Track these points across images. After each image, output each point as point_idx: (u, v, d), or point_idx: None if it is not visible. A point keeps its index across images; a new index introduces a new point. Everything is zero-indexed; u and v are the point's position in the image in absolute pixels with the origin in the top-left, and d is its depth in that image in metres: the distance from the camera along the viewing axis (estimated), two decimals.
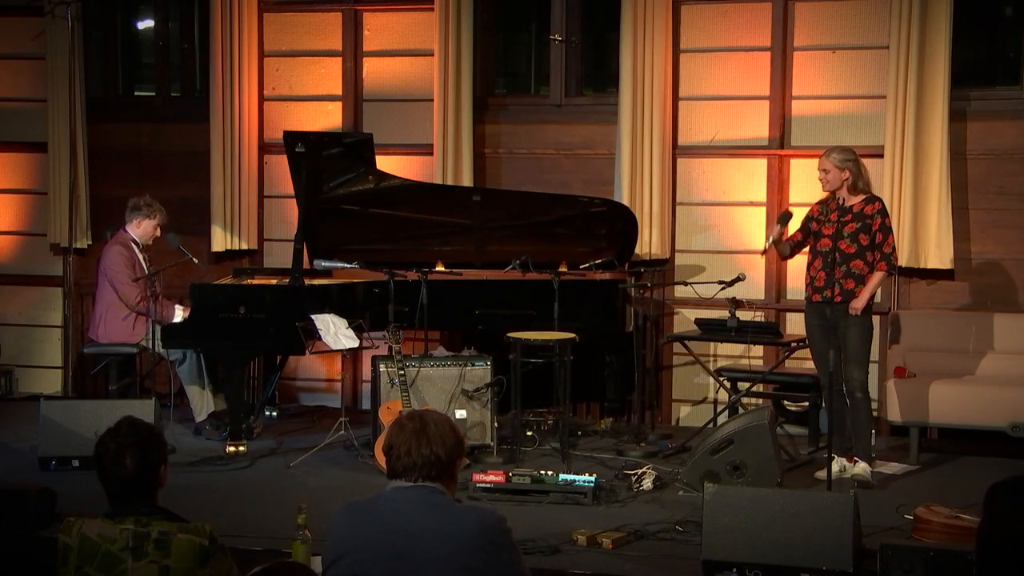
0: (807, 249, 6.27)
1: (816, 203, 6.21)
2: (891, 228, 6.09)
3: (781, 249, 6.31)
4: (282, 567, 2.74)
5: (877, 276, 6.02)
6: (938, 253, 7.02)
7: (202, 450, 6.60)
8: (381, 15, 8.10)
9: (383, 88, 8.12)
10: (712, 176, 7.63)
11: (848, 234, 6.01)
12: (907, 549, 4.52)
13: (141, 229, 7.19)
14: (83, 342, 7.56)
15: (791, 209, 6.49)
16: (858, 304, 5.97)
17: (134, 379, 7.28)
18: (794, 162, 7.48)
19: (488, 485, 5.63)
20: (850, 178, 6.00)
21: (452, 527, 2.98)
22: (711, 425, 6.87)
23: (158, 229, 7.21)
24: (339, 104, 8.16)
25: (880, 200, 6.10)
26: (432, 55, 7.78)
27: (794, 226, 6.31)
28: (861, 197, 6.04)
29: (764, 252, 6.78)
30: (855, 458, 6.02)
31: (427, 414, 3.13)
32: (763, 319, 7.32)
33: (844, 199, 6.05)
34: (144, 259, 7.21)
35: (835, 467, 5.77)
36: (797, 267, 7.42)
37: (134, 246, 7.19)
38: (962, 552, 4.44)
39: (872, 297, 6.08)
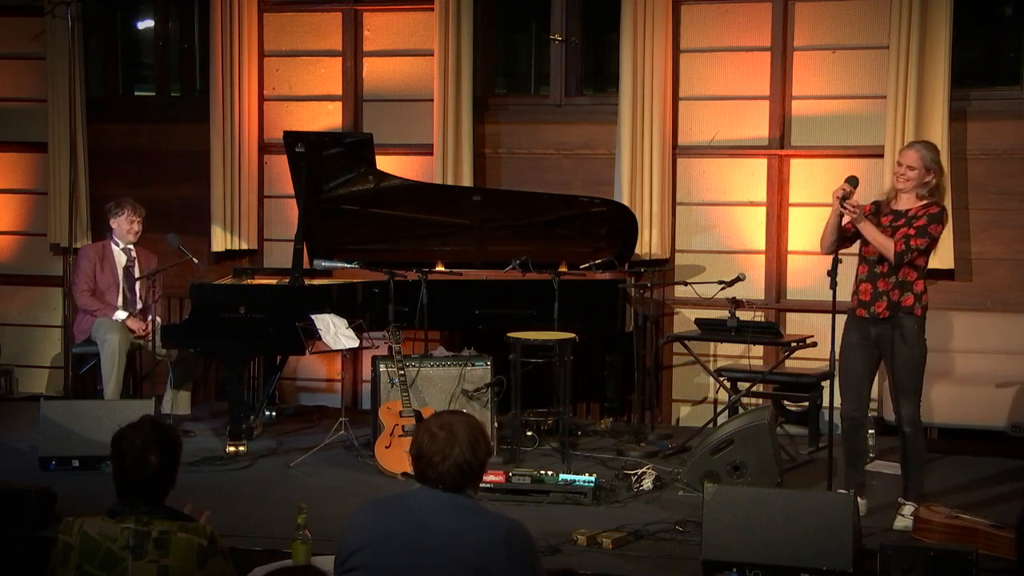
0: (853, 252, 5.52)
1: (872, 202, 5.47)
2: (935, 237, 5.32)
3: (828, 238, 5.41)
4: (292, 571, 2.74)
5: (890, 242, 5.23)
6: (938, 253, 7.01)
7: (202, 450, 6.60)
8: (381, 15, 8.10)
9: (383, 88, 8.12)
10: (712, 176, 7.63)
11: (899, 240, 5.28)
12: (907, 549, 4.52)
13: (117, 228, 7.26)
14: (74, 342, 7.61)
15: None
16: (858, 212, 5.19)
17: (128, 378, 7.27)
18: (794, 162, 7.48)
19: (488, 485, 5.62)
20: (932, 182, 5.30)
21: (478, 531, 3.00)
22: (711, 425, 6.88)
23: (133, 223, 7.23)
24: (339, 104, 8.16)
25: (942, 209, 5.33)
26: (432, 55, 7.78)
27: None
28: (924, 202, 5.33)
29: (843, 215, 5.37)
30: (902, 500, 5.42)
31: (455, 420, 3.10)
32: (763, 319, 7.32)
33: (900, 201, 5.37)
34: (127, 259, 7.26)
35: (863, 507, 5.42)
36: (797, 267, 7.46)
37: (114, 246, 7.24)
38: (962, 552, 4.45)
39: (924, 314, 5.36)
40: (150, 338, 6.82)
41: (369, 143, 7.10)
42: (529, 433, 6.78)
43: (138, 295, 7.27)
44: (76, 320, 7.31)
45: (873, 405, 6.79)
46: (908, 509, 5.33)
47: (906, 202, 5.38)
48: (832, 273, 5.20)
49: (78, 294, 7.22)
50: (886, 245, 5.28)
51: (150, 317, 6.98)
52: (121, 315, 7.11)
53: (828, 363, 5.49)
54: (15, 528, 5.04)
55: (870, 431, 6.52)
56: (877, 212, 5.43)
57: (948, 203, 6.66)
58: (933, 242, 5.37)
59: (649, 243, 7.48)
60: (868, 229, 5.30)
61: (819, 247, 5.57)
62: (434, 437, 3.05)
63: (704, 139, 7.63)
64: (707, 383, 7.59)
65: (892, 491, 5.72)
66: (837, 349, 5.35)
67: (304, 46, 8.20)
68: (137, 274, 7.25)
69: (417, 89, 7.99)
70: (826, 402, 5.83)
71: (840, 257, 5.29)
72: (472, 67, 7.74)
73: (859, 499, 5.30)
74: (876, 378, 5.73)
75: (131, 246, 7.27)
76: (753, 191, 7.55)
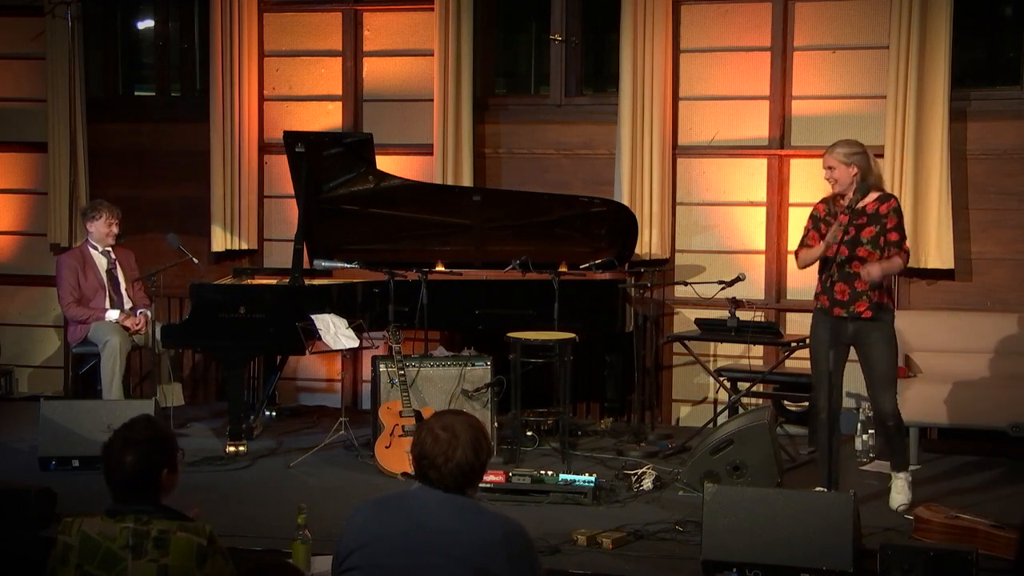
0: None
1: (820, 201, 5.63)
2: (904, 229, 5.52)
3: (808, 256, 5.56)
4: (270, 567, 2.73)
5: (897, 261, 5.41)
6: (938, 253, 7.02)
7: (202, 450, 6.60)
8: (381, 15, 8.10)
9: (383, 88, 8.11)
10: (712, 176, 7.63)
11: (868, 240, 5.41)
12: (907, 549, 4.52)
13: (95, 232, 7.30)
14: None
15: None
16: (874, 270, 5.30)
17: (127, 378, 7.27)
18: (794, 162, 7.48)
19: (488, 485, 5.62)
20: (859, 174, 5.40)
21: (477, 531, 3.00)
22: (711, 425, 6.88)
23: (111, 225, 7.28)
24: (339, 104, 8.16)
25: (895, 198, 5.55)
26: (432, 55, 7.78)
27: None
28: (874, 196, 5.45)
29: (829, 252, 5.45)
30: (893, 472, 5.62)
31: (457, 421, 3.10)
32: (763, 319, 7.32)
33: (855, 200, 5.44)
34: (108, 261, 7.29)
35: None
36: (797, 267, 7.44)
37: (92, 250, 7.27)
38: (962, 552, 4.45)
39: (893, 307, 5.58)
40: (145, 331, 6.85)
41: (369, 143, 7.10)
42: (529, 433, 6.78)
43: (124, 296, 7.29)
44: (69, 330, 7.35)
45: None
46: (900, 482, 5.54)
47: (858, 199, 5.44)
48: (830, 271, 5.25)
49: (65, 306, 7.24)
50: (896, 267, 5.47)
51: (140, 311, 7.06)
52: (114, 315, 7.12)
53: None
54: (15, 528, 5.04)
55: (869, 431, 6.54)
56: (832, 211, 5.52)
57: (937, 197, 6.92)
58: (904, 230, 5.52)
59: (649, 243, 7.48)
60: (883, 267, 5.39)
61: (796, 260, 5.71)
62: (437, 438, 3.05)
63: (704, 139, 7.63)
64: (707, 383, 7.59)
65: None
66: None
67: (304, 46, 8.20)
68: (120, 275, 7.30)
69: (417, 89, 7.99)
70: None
71: (837, 257, 5.36)
72: (472, 67, 7.74)
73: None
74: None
75: (109, 248, 7.29)
76: (753, 191, 7.55)
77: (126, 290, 7.31)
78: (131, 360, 7.22)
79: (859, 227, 5.42)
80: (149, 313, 7.07)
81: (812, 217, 5.64)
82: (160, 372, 7.19)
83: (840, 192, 5.49)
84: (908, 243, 5.56)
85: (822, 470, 5.47)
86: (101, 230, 7.26)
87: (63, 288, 7.22)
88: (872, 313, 5.43)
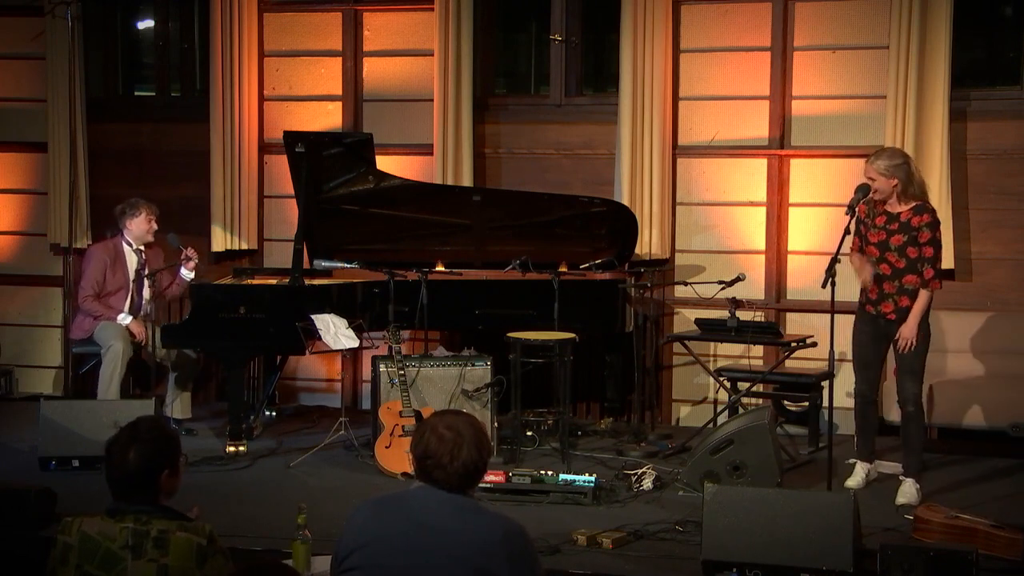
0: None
1: (862, 200, 5.65)
2: (940, 242, 5.69)
3: (865, 274, 5.73)
4: (263, 567, 2.73)
5: (924, 298, 5.61)
6: None
7: (202, 450, 6.60)
8: (381, 15, 8.10)
9: (383, 88, 8.12)
10: (712, 176, 7.63)
11: (896, 247, 5.64)
12: (907, 549, 4.52)
13: (135, 229, 7.19)
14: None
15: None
16: (908, 333, 5.59)
17: (127, 378, 7.26)
18: (794, 162, 7.48)
19: (488, 485, 5.62)
20: (899, 185, 5.57)
21: (477, 531, 3.00)
22: (711, 425, 6.88)
23: (151, 221, 7.20)
24: (339, 104, 8.16)
25: (931, 211, 5.66)
26: (432, 55, 7.79)
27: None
28: (911, 204, 5.62)
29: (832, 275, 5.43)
30: (903, 476, 5.77)
31: (459, 421, 3.10)
32: (763, 319, 7.32)
33: (892, 205, 5.65)
34: (138, 261, 7.20)
35: (861, 472, 5.87)
36: (797, 267, 7.46)
37: (127, 247, 7.20)
38: (962, 552, 4.45)
39: (928, 308, 5.69)
40: (149, 344, 6.82)
41: (369, 143, 7.10)
42: (529, 433, 6.78)
43: (144, 297, 7.23)
44: (76, 320, 7.26)
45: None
46: (908, 486, 5.68)
47: (896, 204, 5.67)
48: (830, 272, 5.32)
49: (82, 298, 7.10)
50: (925, 303, 5.63)
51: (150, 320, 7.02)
52: (126, 319, 7.08)
53: (828, 363, 5.56)
54: (15, 528, 5.04)
55: None
56: (871, 212, 5.72)
57: (937, 197, 6.78)
58: (940, 243, 5.71)
59: (649, 243, 7.48)
60: (916, 317, 5.62)
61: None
62: (442, 438, 3.04)
63: (704, 139, 7.63)
64: (707, 383, 7.59)
65: (892, 490, 5.75)
66: (836, 348, 5.52)
67: (304, 46, 8.20)
68: (146, 278, 7.23)
69: (417, 89, 7.99)
70: (826, 402, 5.84)
71: (839, 257, 5.41)
72: (472, 67, 7.74)
73: (868, 465, 5.97)
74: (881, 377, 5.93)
75: (142, 247, 7.25)
76: (753, 191, 7.55)
77: (147, 291, 7.22)
78: (132, 364, 7.20)
79: (890, 232, 5.66)
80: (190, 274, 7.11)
81: (857, 220, 5.78)
82: (167, 380, 7.14)
83: (882, 199, 5.66)
84: (938, 257, 5.69)
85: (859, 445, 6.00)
86: (142, 227, 7.19)
87: (87, 278, 7.11)
88: (896, 316, 5.67)
